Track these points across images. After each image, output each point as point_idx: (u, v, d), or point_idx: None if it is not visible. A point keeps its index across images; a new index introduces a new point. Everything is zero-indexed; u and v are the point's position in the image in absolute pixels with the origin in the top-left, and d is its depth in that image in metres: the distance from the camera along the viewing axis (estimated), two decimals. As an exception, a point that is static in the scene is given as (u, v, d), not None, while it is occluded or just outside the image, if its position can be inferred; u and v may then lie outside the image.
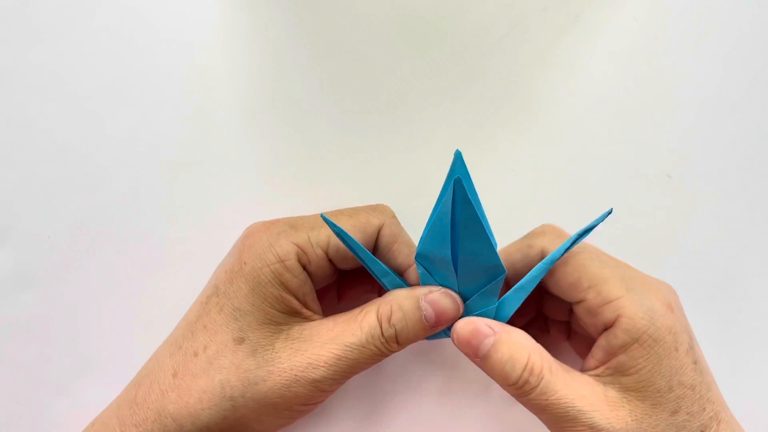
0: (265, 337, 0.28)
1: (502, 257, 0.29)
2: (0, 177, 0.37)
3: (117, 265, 0.37)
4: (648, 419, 0.26)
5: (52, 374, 0.36)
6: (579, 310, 0.29)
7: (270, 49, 0.38)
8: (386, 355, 0.29)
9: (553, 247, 0.29)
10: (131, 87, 0.38)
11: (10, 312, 0.36)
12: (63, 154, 0.37)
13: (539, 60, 0.39)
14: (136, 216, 0.37)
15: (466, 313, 0.29)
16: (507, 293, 0.29)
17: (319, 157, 0.38)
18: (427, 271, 0.29)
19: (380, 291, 0.35)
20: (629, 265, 0.30)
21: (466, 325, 0.28)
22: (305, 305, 0.29)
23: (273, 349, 0.28)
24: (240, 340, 0.28)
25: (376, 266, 0.29)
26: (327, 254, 0.30)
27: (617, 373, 0.27)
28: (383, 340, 0.28)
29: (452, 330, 0.29)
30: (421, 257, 0.29)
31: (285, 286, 0.28)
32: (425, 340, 0.31)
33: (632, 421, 0.26)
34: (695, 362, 0.27)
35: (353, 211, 0.31)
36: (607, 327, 0.27)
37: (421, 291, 0.29)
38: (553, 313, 0.32)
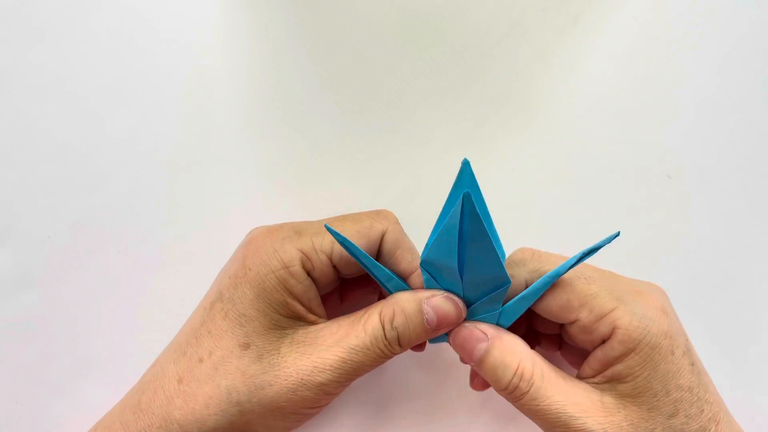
0: (271, 342, 0.28)
1: None
2: (0, 177, 0.37)
3: (117, 265, 0.37)
4: (644, 423, 0.26)
5: (52, 374, 0.36)
6: (573, 329, 0.29)
7: (270, 49, 0.38)
8: (389, 357, 0.29)
9: (533, 277, 0.29)
10: (131, 87, 0.38)
11: (10, 312, 0.36)
12: (63, 154, 0.37)
13: (539, 60, 0.39)
14: (136, 216, 0.37)
15: (469, 317, 0.29)
16: (509, 302, 0.29)
17: (320, 157, 0.38)
18: (432, 277, 0.29)
19: (381, 292, 0.35)
20: (614, 273, 0.30)
21: (462, 330, 0.29)
22: (310, 310, 0.29)
23: (279, 353, 0.28)
24: (246, 346, 0.28)
25: (380, 272, 0.29)
26: (331, 260, 0.30)
27: (613, 381, 0.27)
28: (386, 342, 0.28)
29: (449, 333, 0.29)
30: (426, 264, 0.29)
31: (290, 292, 0.28)
32: (429, 343, 0.31)
33: (628, 425, 0.26)
34: (692, 364, 0.27)
35: (357, 217, 0.31)
36: (604, 340, 0.28)
37: (424, 294, 0.29)
38: (543, 328, 0.32)
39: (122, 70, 0.38)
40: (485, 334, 0.28)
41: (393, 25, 0.39)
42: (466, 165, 0.28)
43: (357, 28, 0.39)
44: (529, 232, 0.38)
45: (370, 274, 0.30)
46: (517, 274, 0.29)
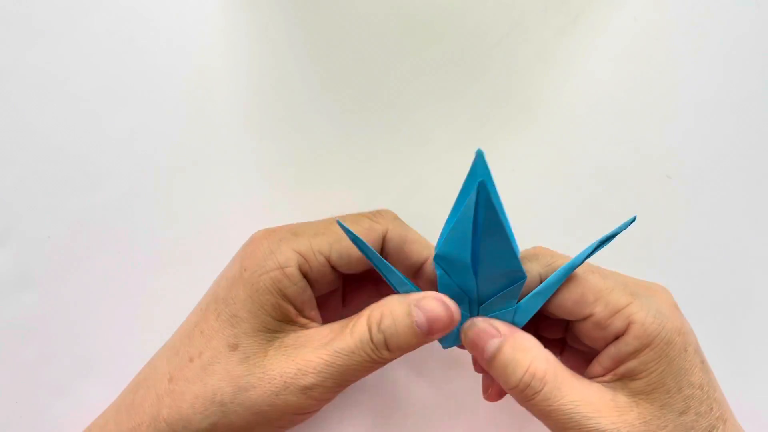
0: (259, 344, 0.28)
1: None
2: (0, 177, 0.37)
3: (117, 265, 0.37)
4: (657, 421, 0.26)
5: (52, 374, 0.36)
6: (586, 326, 0.28)
7: (270, 49, 0.38)
8: (379, 364, 0.28)
9: (547, 272, 0.29)
10: (131, 87, 0.38)
11: (10, 312, 0.36)
12: (63, 154, 0.37)
13: (539, 60, 0.39)
14: (136, 216, 0.37)
15: (484, 314, 0.29)
16: (524, 299, 0.28)
17: (320, 157, 0.38)
18: (446, 272, 0.28)
19: (384, 295, 0.35)
20: (624, 274, 0.30)
21: (473, 326, 0.28)
22: (303, 313, 0.29)
23: (265, 356, 0.27)
24: (234, 347, 0.27)
25: (393, 276, 0.28)
26: (329, 261, 0.29)
27: (626, 378, 0.27)
28: (372, 347, 0.27)
29: (461, 331, 0.29)
30: (439, 258, 0.28)
31: (283, 294, 0.28)
32: (442, 348, 0.30)
33: (640, 423, 0.26)
34: (702, 362, 0.27)
35: (356, 218, 0.30)
36: (618, 336, 0.27)
37: (414, 297, 0.28)
38: (547, 332, 0.32)
39: (122, 70, 0.38)
40: (498, 330, 0.28)
41: (393, 25, 0.39)
42: (480, 156, 0.27)
43: (357, 28, 0.39)
44: (529, 232, 0.38)
45: (383, 276, 0.29)
46: (531, 269, 0.29)
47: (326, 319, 0.34)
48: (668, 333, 0.26)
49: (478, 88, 0.39)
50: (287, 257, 0.28)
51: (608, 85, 0.39)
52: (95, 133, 0.37)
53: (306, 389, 0.27)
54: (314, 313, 0.30)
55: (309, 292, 0.29)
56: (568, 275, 0.28)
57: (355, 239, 0.27)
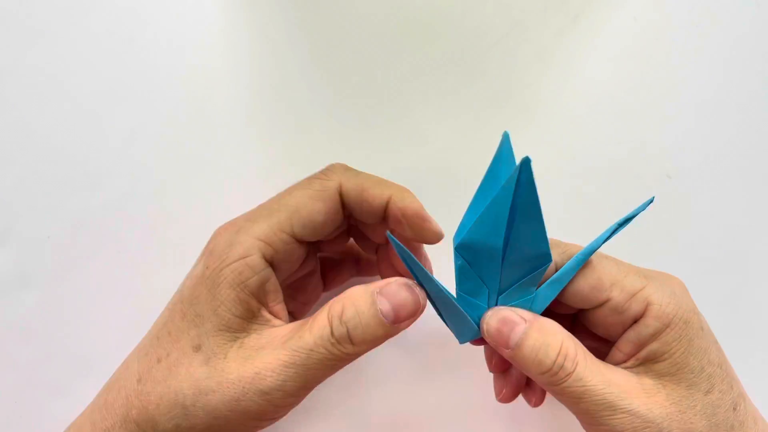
0: (219, 345, 0.26)
1: None
2: (0, 177, 0.37)
3: (117, 265, 0.37)
4: (686, 401, 0.26)
5: (52, 374, 0.36)
6: (602, 312, 0.28)
7: (270, 49, 0.38)
8: (343, 361, 0.26)
9: (563, 259, 0.28)
10: (131, 87, 0.38)
11: (10, 312, 0.36)
12: (63, 154, 0.37)
13: (539, 60, 0.39)
14: (136, 216, 0.37)
15: (503, 303, 0.28)
16: (542, 286, 0.28)
17: (320, 157, 0.38)
18: (467, 262, 0.27)
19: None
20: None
21: (495, 315, 0.27)
22: (266, 307, 0.28)
23: (225, 358, 0.26)
24: (197, 348, 0.26)
25: (432, 285, 0.26)
26: (293, 235, 0.28)
27: (649, 362, 0.27)
28: (333, 341, 0.25)
29: (481, 321, 0.28)
30: (462, 248, 0.27)
31: (244, 286, 0.26)
32: (459, 343, 0.29)
33: (670, 404, 0.26)
34: (716, 341, 0.28)
35: (307, 182, 0.29)
36: (636, 320, 0.27)
37: (376, 284, 0.26)
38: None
39: (122, 70, 0.38)
40: (522, 317, 0.27)
41: (393, 24, 0.39)
42: (506, 137, 0.26)
43: (357, 28, 0.39)
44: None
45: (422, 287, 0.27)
46: None
47: (308, 304, 0.34)
48: (685, 312, 0.27)
49: (477, 87, 0.39)
50: (247, 246, 0.27)
51: (608, 84, 0.39)
52: (95, 133, 0.37)
53: (265, 394, 0.25)
54: (279, 307, 0.28)
55: (273, 279, 0.28)
56: (585, 260, 0.28)
57: (399, 250, 0.26)
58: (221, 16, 0.38)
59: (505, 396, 0.31)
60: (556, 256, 0.28)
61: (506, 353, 0.27)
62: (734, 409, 0.27)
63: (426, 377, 0.37)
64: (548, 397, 0.32)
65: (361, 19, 0.38)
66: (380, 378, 0.37)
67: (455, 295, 0.28)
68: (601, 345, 0.30)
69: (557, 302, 0.29)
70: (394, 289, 0.26)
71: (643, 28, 0.39)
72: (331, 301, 0.27)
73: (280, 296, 0.28)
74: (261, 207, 0.29)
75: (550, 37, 0.39)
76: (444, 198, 0.38)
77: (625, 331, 0.28)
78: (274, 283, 0.28)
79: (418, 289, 0.26)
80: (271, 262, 0.28)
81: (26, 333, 0.36)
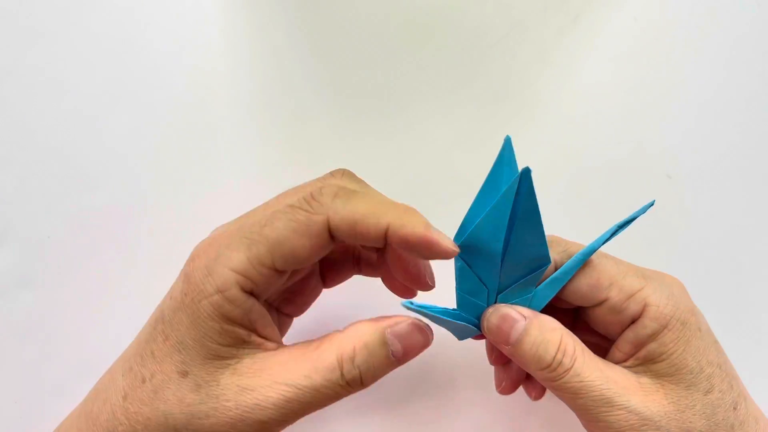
0: (209, 373, 0.26)
1: None
2: (0, 177, 0.37)
3: (117, 265, 0.37)
4: (684, 401, 0.26)
5: (52, 374, 0.36)
6: (601, 311, 0.28)
7: (270, 49, 0.38)
8: (346, 396, 0.26)
9: (562, 258, 0.29)
10: (131, 87, 0.38)
11: (9, 312, 0.36)
12: (62, 154, 0.37)
13: (539, 60, 0.39)
14: (135, 216, 0.37)
15: (502, 302, 0.28)
16: (541, 285, 0.28)
17: (320, 157, 0.38)
18: (467, 264, 0.27)
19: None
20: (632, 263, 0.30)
21: (496, 312, 0.28)
22: (254, 332, 0.27)
23: (218, 385, 0.25)
24: (184, 374, 0.26)
25: (448, 316, 0.27)
26: (274, 268, 0.26)
27: (647, 362, 0.27)
28: (344, 383, 0.25)
29: (482, 318, 0.28)
30: (462, 250, 0.27)
31: (227, 318, 0.25)
32: (458, 340, 0.30)
33: (669, 403, 0.26)
34: (715, 342, 0.28)
35: (291, 212, 0.26)
36: (634, 320, 0.27)
37: (385, 323, 0.26)
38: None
39: (122, 70, 0.38)
40: (521, 314, 0.27)
41: (393, 25, 0.39)
42: (507, 142, 0.26)
43: (357, 28, 0.38)
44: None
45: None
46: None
47: (306, 304, 0.33)
48: (683, 314, 0.27)
49: (478, 87, 0.39)
50: (225, 279, 0.25)
51: (608, 85, 0.39)
52: (95, 134, 0.37)
53: (263, 423, 0.25)
54: (269, 329, 0.27)
55: (258, 308, 0.26)
56: (584, 261, 0.28)
57: (419, 310, 0.26)
58: (221, 16, 0.38)
59: (506, 388, 0.32)
60: (555, 254, 0.29)
61: (506, 350, 0.27)
62: (734, 408, 0.27)
63: (428, 377, 0.37)
64: (549, 395, 0.32)
65: (361, 19, 0.38)
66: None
67: (455, 293, 0.28)
68: (601, 341, 0.30)
69: (557, 298, 0.29)
70: (406, 330, 0.26)
71: (643, 28, 0.39)
72: (339, 339, 0.26)
73: (268, 318, 0.27)
74: (241, 229, 0.26)
75: (550, 37, 0.39)
76: (444, 197, 0.38)
77: (623, 330, 0.28)
78: (258, 311, 0.26)
79: (426, 328, 0.27)
80: (252, 292, 0.26)
81: (26, 333, 0.36)
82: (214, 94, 0.38)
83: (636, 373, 0.27)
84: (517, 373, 0.32)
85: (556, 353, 0.26)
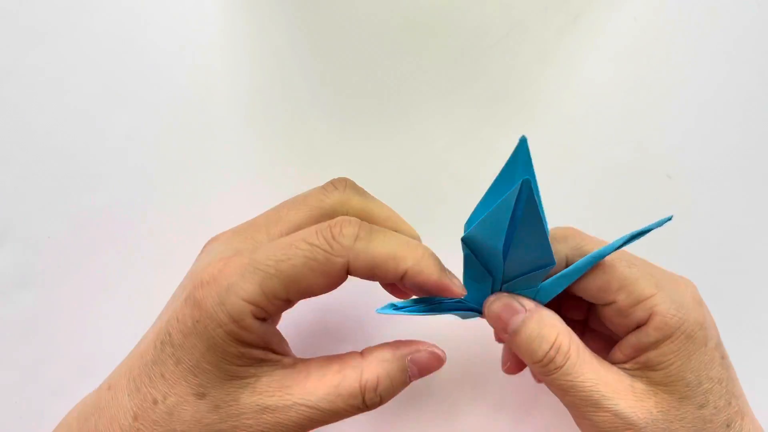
0: (228, 393, 0.26)
1: None
2: (0, 177, 0.37)
3: (117, 265, 0.37)
4: (674, 411, 0.26)
5: (52, 374, 0.36)
6: (608, 311, 0.28)
7: (270, 48, 0.38)
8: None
9: (574, 255, 0.28)
10: (131, 87, 0.38)
11: (10, 312, 0.36)
12: (63, 154, 0.37)
13: (539, 60, 0.39)
14: (135, 216, 0.37)
15: (507, 291, 0.29)
16: (549, 280, 0.28)
17: (319, 157, 0.38)
18: (473, 252, 0.28)
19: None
20: (651, 263, 0.30)
21: (497, 300, 0.28)
22: (271, 350, 0.27)
23: (238, 404, 0.26)
24: (201, 395, 0.26)
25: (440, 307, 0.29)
26: (289, 301, 0.26)
27: (645, 368, 0.27)
28: (365, 407, 0.27)
29: (484, 305, 0.29)
30: (468, 241, 0.27)
31: (243, 342, 0.25)
32: (462, 319, 0.30)
33: (658, 412, 0.26)
34: (723, 357, 0.27)
35: (309, 250, 0.26)
36: (639, 326, 0.27)
37: (405, 350, 0.27)
38: (570, 313, 0.32)
39: (122, 70, 0.38)
40: (523, 306, 0.28)
41: (393, 25, 0.39)
42: (522, 143, 0.26)
43: (357, 28, 0.39)
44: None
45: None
46: (559, 250, 0.28)
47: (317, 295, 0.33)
48: (689, 327, 0.26)
49: (478, 87, 0.39)
50: (239, 309, 0.25)
51: (608, 85, 0.39)
52: (95, 133, 0.37)
53: None
54: (283, 345, 0.28)
55: (271, 329, 0.27)
56: (594, 263, 0.28)
57: (410, 312, 0.28)
58: (221, 16, 0.38)
59: (511, 368, 0.32)
60: (568, 250, 0.29)
61: (504, 337, 0.28)
62: (728, 426, 0.27)
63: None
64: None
65: (362, 19, 0.38)
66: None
67: (461, 281, 0.29)
68: (613, 333, 0.30)
69: (569, 289, 0.29)
70: (425, 358, 0.28)
71: (643, 28, 0.39)
72: (360, 366, 0.27)
73: (280, 335, 0.28)
74: (255, 261, 0.26)
75: (551, 37, 0.39)
76: (444, 197, 0.38)
77: (628, 332, 0.28)
78: (272, 331, 0.27)
79: (441, 352, 0.28)
80: (265, 319, 0.26)
81: (26, 333, 0.36)
82: (214, 93, 0.38)
83: (632, 376, 0.27)
84: None
85: (549, 350, 0.27)
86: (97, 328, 0.36)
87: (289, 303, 0.26)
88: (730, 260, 0.38)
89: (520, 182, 0.24)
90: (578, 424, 0.28)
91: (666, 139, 0.39)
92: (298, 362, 0.27)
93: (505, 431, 0.37)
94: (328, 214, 0.29)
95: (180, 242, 0.37)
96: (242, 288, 0.25)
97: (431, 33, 0.39)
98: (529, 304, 0.28)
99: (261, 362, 0.26)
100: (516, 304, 0.28)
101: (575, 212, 0.38)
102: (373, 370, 0.27)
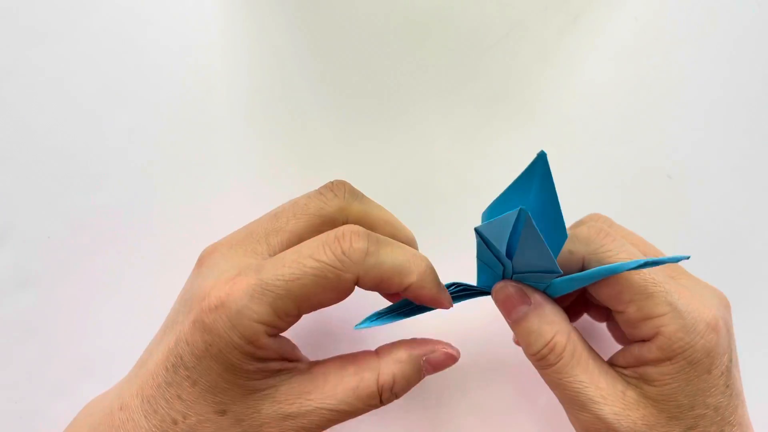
0: (249, 406, 0.26)
1: None
2: (0, 177, 0.37)
3: (117, 265, 0.37)
4: (660, 428, 0.26)
5: (52, 374, 0.36)
6: (618, 316, 0.28)
7: (270, 48, 0.38)
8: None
9: (590, 260, 0.28)
10: (131, 87, 0.38)
11: (10, 312, 0.36)
12: (63, 154, 0.37)
13: (539, 60, 0.39)
14: (136, 216, 0.37)
15: (518, 280, 0.29)
16: (560, 279, 0.28)
17: (319, 157, 0.38)
18: (485, 243, 0.28)
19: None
20: (683, 271, 0.29)
21: (504, 289, 0.28)
22: (286, 359, 0.27)
23: (260, 415, 0.26)
24: (222, 412, 0.26)
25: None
26: (299, 316, 0.27)
27: (641, 380, 0.27)
28: (381, 404, 0.28)
29: (492, 289, 0.29)
30: (479, 233, 0.27)
31: (259, 359, 0.26)
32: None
33: (642, 424, 0.26)
34: (727, 386, 0.27)
35: (320, 269, 0.26)
36: (644, 339, 0.27)
37: (421, 351, 0.28)
38: (594, 298, 0.31)
39: (122, 70, 0.38)
40: (528, 298, 0.28)
41: (393, 25, 0.39)
42: (541, 157, 0.25)
43: (357, 27, 0.39)
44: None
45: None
46: (576, 251, 0.28)
47: None
48: (695, 353, 0.26)
49: (478, 87, 0.39)
50: (253, 331, 0.25)
51: (608, 84, 0.39)
52: (95, 133, 0.37)
53: None
54: (296, 351, 0.28)
55: (284, 340, 0.27)
56: (606, 276, 0.27)
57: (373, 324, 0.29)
58: (221, 16, 0.38)
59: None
60: (586, 253, 0.28)
61: (507, 321, 0.29)
62: None
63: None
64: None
65: (361, 19, 0.38)
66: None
67: (476, 263, 0.29)
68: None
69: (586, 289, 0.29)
70: (440, 359, 0.29)
71: (643, 27, 0.39)
72: (377, 366, 0.28)
73: (292, 343, 0.28)
74: (262, 281, 0.25)
75: (550, 37, 0.39)
76: (444, 197, 0.38)
77: (633, 340, 0.28)
78: (285, 342, 0.27)
79: (455, 352, 0.29)
80: (277, 335, 0.27)
81: (26, 333, 0.36)
82: (214, 94, 0.38)
83: (627, 383, 0.27)
84: None
85: (543, 348, 0.27)
86: (97, 328, 0.36)
87: (299, 317, 0.27)
88: (730, 260, 0.38)
89: (516, 212, 0.24)
90: (567, 415, 0.29)
91: (666, 139, 0.39)
92: (313, 366, 0.28)
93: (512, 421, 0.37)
94: (329, 223, 0.29)
95: (180, 242, 0.37)
96: (253, 311, 0.25)
97: (431, 33, 0.39)
98: (535, 296, 0.28)
99: (278, 372, 0.27)
100: (521, 296, 0.28)
101: (575, 212, 0.38)
102: (389, 371, 0.28)
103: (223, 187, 0.38)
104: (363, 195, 0.30)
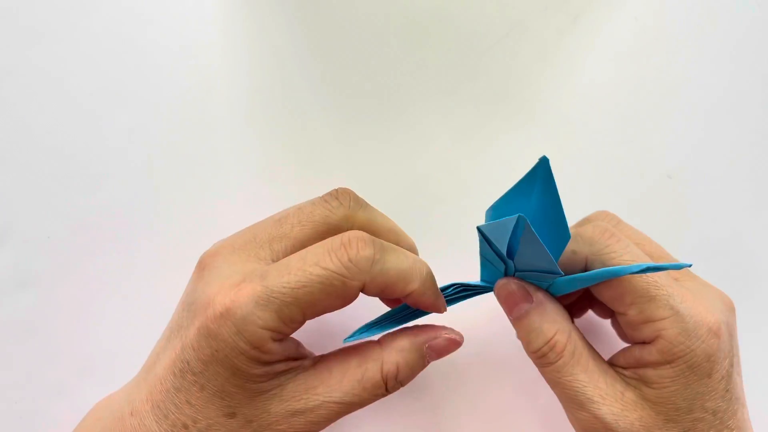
0: (257, 407, 0.27)
1: None
2: (0, 177, 0.37)
3: (117, 265, 0.37)
4: (657, 430, 0.26)
5: (52, 374, 0.36)
6: (619, 318, 0.28)
7: (270, 48, 0.38)
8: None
9: (593, 261, 0.28)
10: (131, 87, 0.38)
11: (10, 312, 0.36)
12: (63, 154, 0.37)
13: (539, 60, 0.39)
14: (135, 216, 0.37)
15: (521, 277, 0.29)
16: (563, 278, 0.28)
17: (319, 157, 0.38)
18: (487, 241, 0.28)
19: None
20: (691, 273, 0.29)
21: (506, 286, 0.29)
22: (293, 359, 0.28)
23: (269, 414, 0.27)
24: (231, 415, 0.26)
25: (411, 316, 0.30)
26: (303, 322, 0.27)
27: (640, 381, 0.27)
28: (386, 393, 0.28)
29: (495, 286, 0.29)
30: (481, 231, 0.28)
31: (266, 363, 0.26)
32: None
33: (640, 426, 0.26)
34: (727, 390, 0.27)
35: (326, 277, 0.26)
36: (645, 342, 0.27)
37: (424, 337, 0.29)
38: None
39: (122, 70, 0.38)
40: (530, 296, 0.28)
41: (393, 25, 0.39)
42: (544, 162, 0.25)
43: (357, 27, 0.39)
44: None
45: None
46: (580, 251, 0.28)
47: None
48: (695, 357, 0.26)
49: (478, 87, 0.39)
50: (259, 337, 0.25)
51: (608, 85, 0.39)
52: (95, 133, 0.37)
53: None
54: (300, 349, 0.28)
55: (289, 341, 0.27)
56: (607, 278, 0.27)
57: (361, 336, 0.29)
58: (221, 16, 0.38)
59: None
60: (590, 254, 0.28)
61: (509, 318, 0.29)
62: None
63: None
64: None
65: (361, 19, 0.38)
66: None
67: (479, 259, 0.30)
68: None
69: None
70: (443, 345, 0.29)
71: (643, 27, 0.39)
72: (381, 356, 0.28)
73: (296, 341, 0.28)
74: (267, 288, 0.25)
75: (550, 37, 0.39)
76: (444, 197, 0.38)
77: (635, 342, 0.28)
78: (291, 343, 0.28)
79: (458, 336, 0.29)
80: (282, 339, 0.27)
81: (26, 333, 0.36)
82: (214, 93, 0.38)
83: (627, 383, 0.27)
84: None
85: (543, 346, 0.27)
86: (98, 328, 0.36)
87: (304, 322, 0.27)
88: (730, 260, 0.38)
89: (515, 219, 0.24)
90: (566, 414, 0.29)
91: (666, 139, 0.39)
92: (317, 361, 0.28)
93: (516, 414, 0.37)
94: (334, 231, 0.29)
95: (180, 242, 0.37)
96: (259, 317, 0.25)
97: (431, 33, 0.39)
98: (538, 294, 0.28)
99: (284, 372, 0.27)
100: (523, 293, 0.28)
101: (575, 212, 0.38)
102: (393, 359, 0.28)
103: (223, 187, 0.38)
104: (367, 203, 0.30)
